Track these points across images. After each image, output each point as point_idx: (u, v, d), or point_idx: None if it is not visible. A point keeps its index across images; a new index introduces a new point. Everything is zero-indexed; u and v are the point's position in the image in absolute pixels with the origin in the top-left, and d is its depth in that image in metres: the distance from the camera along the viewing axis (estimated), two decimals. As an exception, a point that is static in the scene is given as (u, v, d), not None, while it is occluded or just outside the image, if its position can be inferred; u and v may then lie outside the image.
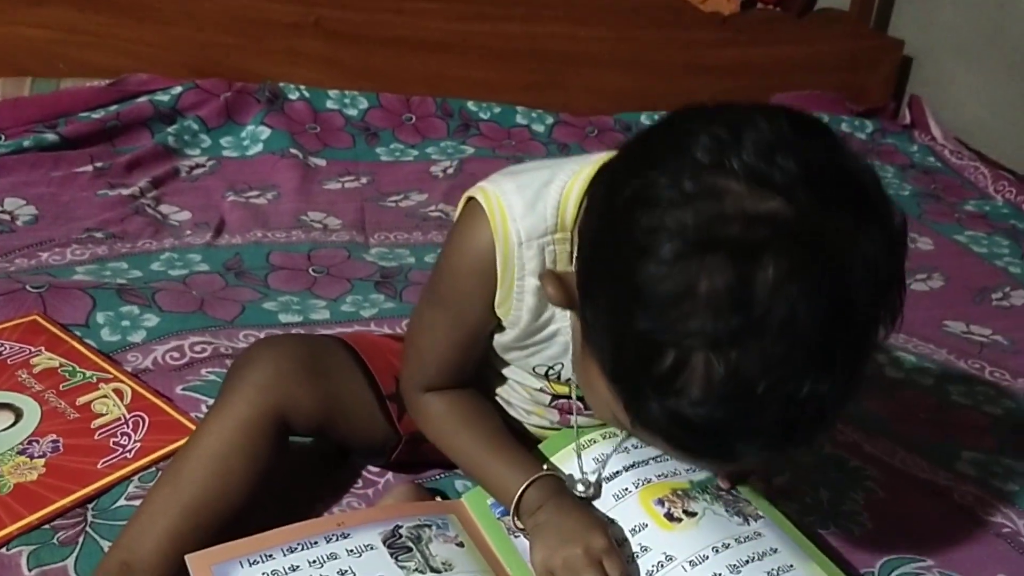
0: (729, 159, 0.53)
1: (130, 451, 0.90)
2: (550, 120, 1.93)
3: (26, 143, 1.50)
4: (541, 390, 0.85)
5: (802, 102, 2.10)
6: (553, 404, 0.86)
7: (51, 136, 1.53)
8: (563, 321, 0.76)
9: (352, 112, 1.82)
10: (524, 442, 0.85)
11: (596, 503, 0.80)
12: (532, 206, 0.72)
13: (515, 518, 0.78)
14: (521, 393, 0.86)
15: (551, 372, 0.82)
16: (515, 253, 0.72)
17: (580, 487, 0.80)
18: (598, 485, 0.80)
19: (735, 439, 0.57)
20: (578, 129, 1.93)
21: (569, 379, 0.82)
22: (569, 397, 0.84)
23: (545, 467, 0.80)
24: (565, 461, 0.84)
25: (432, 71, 1.91)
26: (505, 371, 0.85)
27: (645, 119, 1.99)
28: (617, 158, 0.63)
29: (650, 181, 0.55)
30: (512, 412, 0.89)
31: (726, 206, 0.52)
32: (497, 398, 0.88)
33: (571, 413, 0.84)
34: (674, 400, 0.54)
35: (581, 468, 0.82)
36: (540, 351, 0.80)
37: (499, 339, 0.80)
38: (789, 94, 2.12)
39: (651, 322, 0.54)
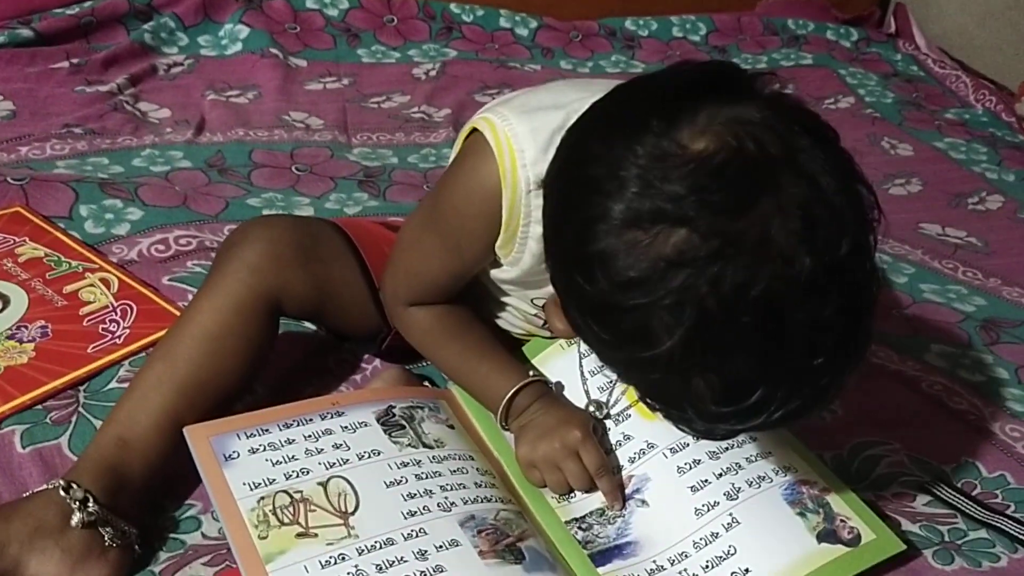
0: (621, 210, 0.53)
1: (119, 337, 0.90)
2: (533, 24, 1.89)
3: (1, 39, 1.46)
4: (536, 315, 0.84)
5: (789, 9, 2.09)
6: (546, 326, 0.85)
7: (26, 32, 1.49)
8: None
9: (332, 12, 1.78)
10: (509, 345, 0.85)
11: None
12: (544, 152, 0.67)
13: (503, 421, 0.79)
14: (515, 315, 0.86)
15: None
16: (523, 200, 0.69)
17: (592, 408, 0.80)
18: (607, 405, 0.81)
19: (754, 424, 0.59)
20: (562, 34, 1.90)
21: None
22: None
23: (532, 373, 0.80)
24: (550, 361, 0.84)
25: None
26: (501, 297, 0.84)
27: (629, 24, 1.97)
28: (554, 174, 0.62)
29: (580, 242, 0.56)
30: (501, 324, 0.88)
31: (640, 264, 0.53)
32: (488, 314, 0.87)
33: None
34: (704, 415, 0.57)
35: (583, 374, 0.82)
36: (540, 286, 0.78)
37: (497, 274, 0.79)
38: (777, 1, 2.10)
39: (642, 368, 0.56)
